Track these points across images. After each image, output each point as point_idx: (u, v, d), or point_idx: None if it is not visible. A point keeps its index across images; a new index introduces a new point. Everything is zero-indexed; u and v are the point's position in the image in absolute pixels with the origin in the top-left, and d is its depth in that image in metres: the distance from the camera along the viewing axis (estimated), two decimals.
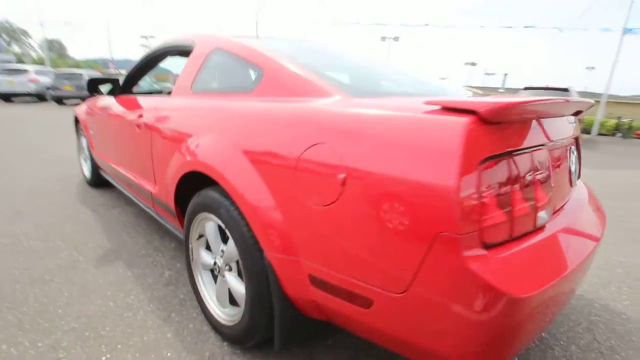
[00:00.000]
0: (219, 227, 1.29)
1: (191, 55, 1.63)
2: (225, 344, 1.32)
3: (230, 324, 1.27)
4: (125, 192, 2.31)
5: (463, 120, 0.69)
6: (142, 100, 1.94)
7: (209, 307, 1.39)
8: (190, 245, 1.46)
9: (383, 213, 0.75)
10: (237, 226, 1.10)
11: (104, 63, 35.60)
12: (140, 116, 1.78)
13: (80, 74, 12.23)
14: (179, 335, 1.35)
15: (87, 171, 3.21)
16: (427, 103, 0.78)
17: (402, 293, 0.76)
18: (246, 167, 1.05)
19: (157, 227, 2.33)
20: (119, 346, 1.28)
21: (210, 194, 1.22)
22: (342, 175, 0.82)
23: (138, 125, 1.79)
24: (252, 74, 1.31)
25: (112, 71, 24.17)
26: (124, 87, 2.35)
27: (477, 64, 52.19)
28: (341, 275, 0.87)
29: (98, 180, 3.09)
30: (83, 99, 10.08)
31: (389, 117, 0.80)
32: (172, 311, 1.49)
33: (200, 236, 1.43)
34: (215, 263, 1.34)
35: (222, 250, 1.31)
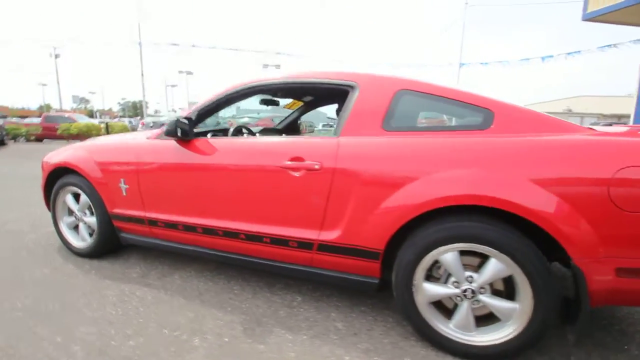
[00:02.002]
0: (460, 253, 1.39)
1: (358, 96, 1.64)
2: None
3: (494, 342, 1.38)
4: (199, 251, 1.98)
5: None
6: (285, 141, 1.77)
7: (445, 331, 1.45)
8: (416, 278, 1.47)
9: None
10: (528, 255, 1.27)
11: None
12: (298, 159, 1.63)
13: None
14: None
15: (80, 239, 2.46)
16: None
17: None
18: (546, 196, 1.24)
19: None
20: None
21: (483, 225, 1.32)
22: None
23: (293, 169, 1.63)
24: (474, 114, 1.48)
25: None
26: (192, 129, 1.99)
27: None
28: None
29: (108, 248, 2.41)
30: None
31: None
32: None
33: (432, 269, 1.47)
34: (465, 290, 1.41)
35: (471, 278, 1.40)
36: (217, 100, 2.01)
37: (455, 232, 1.37)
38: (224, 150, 1.87)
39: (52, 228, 2.59)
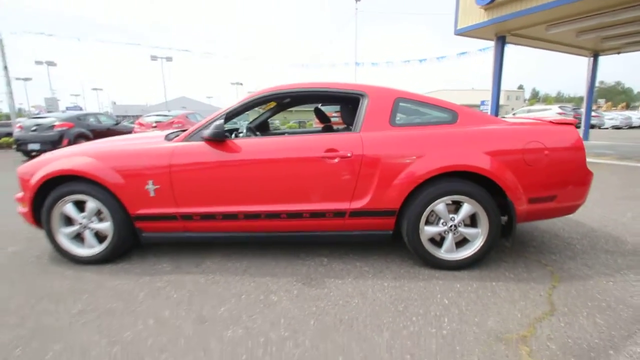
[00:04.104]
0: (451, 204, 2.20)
1: (369, 102, 2.27)
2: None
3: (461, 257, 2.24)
4: (237, 235, 2.34)
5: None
6: (319, 137, 2.28)
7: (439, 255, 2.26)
8: (421, 224, 2.21)
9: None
10: (485, 197, 2.13)
11: None
12: (333, 150, 2.17)
13: None
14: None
15: (87, 247, 2.43)
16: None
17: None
18: (493, 161, 2.12)
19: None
20: None
21: (461, 183, 2.13)
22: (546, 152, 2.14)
23: (330, 157, 2.16)
24: (446, 114, 2.28)
25: None
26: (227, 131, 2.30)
27: (243, 84, 58.09)
28: (541, 192, 2.18)
29: (121, 251, 2.46)
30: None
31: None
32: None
33: (431, 216, 2.24)
34: (447, 224, 2.22)
35: (453, 218, 2.22)
36: (245, 104, 2.35)
37: (444, 190, 2.15)
38: (263, 147, 2.26)
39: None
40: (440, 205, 2.19)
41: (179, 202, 2.30)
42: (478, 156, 2.13)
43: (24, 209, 2.46)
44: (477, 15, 7.65)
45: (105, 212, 2.36)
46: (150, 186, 2.28)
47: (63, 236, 2.43)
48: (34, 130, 9.08)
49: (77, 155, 2.41)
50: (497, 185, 2.14)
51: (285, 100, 3.11)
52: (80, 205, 2.41)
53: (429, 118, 2.32)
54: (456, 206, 2.23)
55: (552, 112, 15.73)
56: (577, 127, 2.28)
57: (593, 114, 18.23)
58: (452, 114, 2.29)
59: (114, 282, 2.19)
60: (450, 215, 2.22)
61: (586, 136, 12.00)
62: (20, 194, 2.47)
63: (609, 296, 1.94)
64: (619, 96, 76.89)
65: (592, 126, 17.65)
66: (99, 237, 2.46)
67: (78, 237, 2.48)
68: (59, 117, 9.46)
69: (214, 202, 2.29)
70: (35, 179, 2.35)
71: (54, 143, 8.64)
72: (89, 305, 1.92)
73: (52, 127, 9.00)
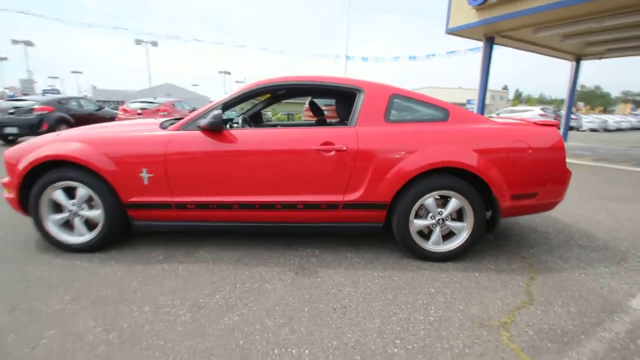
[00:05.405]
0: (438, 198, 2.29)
1: (365, 97, 2.32)
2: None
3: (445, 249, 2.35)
4: (230, 225, 2.37)
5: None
6: (316, 130, 2.29)
7: (426, 247, 2.35)
8: (411, 217, 2.30)
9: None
10: (472, 193, 2.23)
11: None
12: (329, 143, 2.21)
13: None
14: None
15: (77, 235, 2.40)
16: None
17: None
18: (480, 159, 2.21)
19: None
20: None
21: (450, 179, 2.22)
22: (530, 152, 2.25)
23: (326, 150, 2.21)
24: (438, 112, 2.36)
25: None
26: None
27: (231, 73, 57.14)
28: (523, 190, 2.30)
29: (111, 239, 2.45)
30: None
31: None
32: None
33: (420, 209, 2.33)
34: (435, 218, 2.31)
35: (440, 212, 2.32)
36: (241, 95, 2.37)
37: (434, 184, 2.24)
38: (260, 138, 2.28)
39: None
40: (429, 200, 2.28)
41: (173, 191, 2.30)
42: (467, 154, 2.23)
43: (10, 194, 2.41)
44: (469, 16, 7.78)
45: (97, 199, 2.34)
46: (144, 174, 2.28)
47: (52, 223, 2.40)
48: (12, 113, 8.70)
49: (68, 140, 2.37)
50: (483, 181, 2.25)
51: (280, 92, 3.12)
52: (70, 192, 2.38)
53: (422, 115, 2.40)
54: (444, 200, 2.33)
55: (534, 113, 16.24)
56: (557, 128, 2.40)
57: (572, 116, 18.95)
58: (444, 112, 2.37)
59: (105, 269, 2.19)
60: (438, 209, 2.32)
61: (565, 138, 12.47)
62: (6, 179, 2.41)
63: (581, 287, 2.08)
64: (597, 100, 79.84)
65: (571, 128, 18.33)
66: (89, 224, 2.44)
67: (67, 224, 2.45)
68: (39, 100, 9.08)
69: (210, 191, 2.30)
70: (24, 164, 2.30)
71: (33, 127, 8.31)
72: (82, 293, 1.92)
73: (31, 110, 8.63)
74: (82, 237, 2.42)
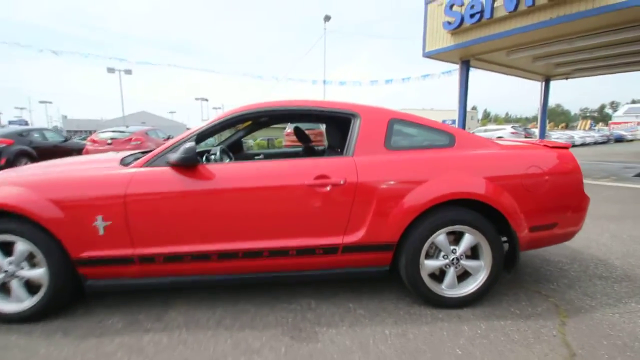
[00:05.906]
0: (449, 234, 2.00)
1: (361, 123, 2.04)
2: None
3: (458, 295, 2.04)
4: (207, 279, 1.97)
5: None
6: (308, 162, 2.00)
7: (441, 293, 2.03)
8: (421, 258, 1.99)
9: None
10: (488, 226, 1.96)
11: None
12: (324, 176, 1.89)
13: None
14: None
15: (13, 301, 1.93)
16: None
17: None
18: (495, 188, 1.96)
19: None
20: None
21: (463, 211, 1.95)
22: (547, 177, 2.02)
23: (320, 185, 1.88)
24: (442, 137, 2.11)
25: None
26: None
27: (208, 100, 56.94)
28: (542, 220, 2.05)
29: (58, 304, 1.98)
30: None
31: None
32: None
33: (431, 248, 2.02)
34: (448, 257, 2.01)
35: (454, 250, 2.02)
36: (219, 123, 2.05)
37: (445, 219, 1.96)
38: (242, 173, 1.94)
39: None
40: (441, 237, 1.99)
41: (136, 242, 1.89)
42: (481, 182, 1.97)
43: None
44: (444, 40, 7.95)
45: (39, 255, 1.89)
46: (99, 222, 1.86)
47: None
48: None
49: (3, 184, 1.93)
50: (497, 213, 1.99)
51: (262, 119, 2.81)
52: (6, 248, 1.92)
53: (426, 141, 2.14)
54: (454, 237, 2.04)
55: (506, 131, 16.80)
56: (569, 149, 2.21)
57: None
58: (449, 137, 2.13)
59: (48, 348, 1.72)
60: (452, 247, 2.02)
61: None
62: None
63: (620, 332, 1.81)
64: (559, 117, 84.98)
65: None
66: (31, 287, 1.96)
67: (3, 288, 1.96)
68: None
69: (182, 240, 1.91)
70: None
71: None
72: None
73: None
74: (21, 303, 1.94)
